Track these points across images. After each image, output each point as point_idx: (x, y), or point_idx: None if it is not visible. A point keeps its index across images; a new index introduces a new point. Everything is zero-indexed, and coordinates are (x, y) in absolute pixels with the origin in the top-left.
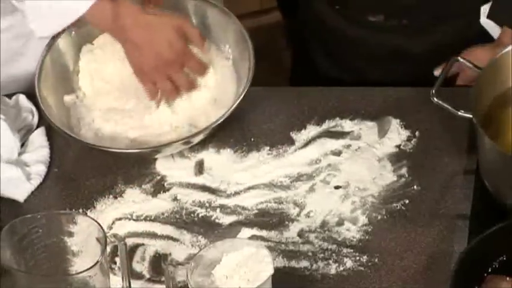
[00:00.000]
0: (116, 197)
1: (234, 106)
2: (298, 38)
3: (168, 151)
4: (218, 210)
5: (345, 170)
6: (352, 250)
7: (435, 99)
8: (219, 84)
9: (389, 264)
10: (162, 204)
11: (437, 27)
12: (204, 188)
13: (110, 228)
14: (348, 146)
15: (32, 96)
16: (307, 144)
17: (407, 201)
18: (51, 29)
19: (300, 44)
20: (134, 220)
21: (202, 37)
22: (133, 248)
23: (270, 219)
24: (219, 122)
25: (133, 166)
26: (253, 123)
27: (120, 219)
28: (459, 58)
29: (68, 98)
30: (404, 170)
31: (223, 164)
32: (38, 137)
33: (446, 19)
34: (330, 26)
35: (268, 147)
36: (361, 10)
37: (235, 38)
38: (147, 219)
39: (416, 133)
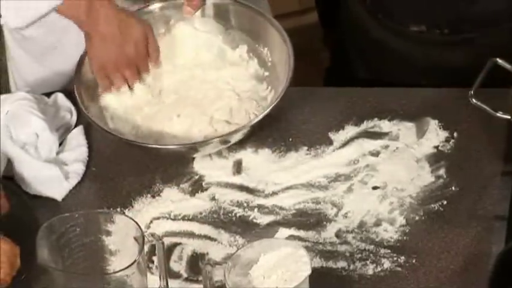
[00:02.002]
0: (153, 196)
1: (273, 106)
2: (338, 47)
3: (207, 150)
4: (256, 210)
5: (383, 171)
6: (389, 251)
7: (474, 100)
8: (259, 84)
9: (427, 265)
10: (200, 203)
11: (479, 39)
12: (242, 188)
13: (148, 227)
14: (386, 147)
15: (70, 95)
16: (345, 144)
17: (445, 202)
18: (23, 20)
19: (339, 54)
20: (172, 219)
21: (157, 49)
22: (171, 248)
23: (307, 220)
24: (256, 120)
25: (171, 165)
26: (291, 123)
27: (158, 218)
28: (497, 60)
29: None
30: (442, 171)
31: (261, 164)
32: (76, 136)
33: (487, 30)
34: (371, 37)
35: (306, 148)
36: (403, 19)
37: (274, 40)
38: (185, 218)
39: (455, 134)
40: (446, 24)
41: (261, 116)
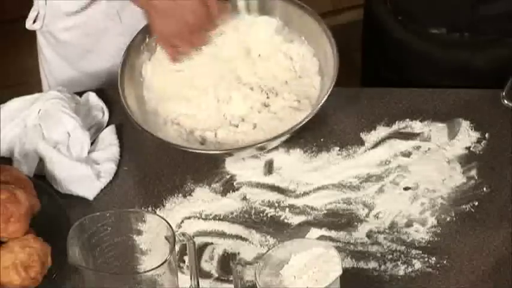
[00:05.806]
0: (185, 196)
1: (318, 108)
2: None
3: (243, 154)
4: (287, 210)
5: (414, 172)
6: (420, 251)
7: (505, 101)
8: (303, 85)
9: (458, 266)
10: (231, 203)
11: (500, 41)
12: (274, 188)
13: (179, 227)
14: (418, 148)
15: (102, 94)
16: (377, 145)
17: (476, 203)
18: (76, 3)
19: (364, 53)
20: (203, 219)
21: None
22: (202, 247)
23: (338, 220)
24: (300, 125)
25: (203, 165)
26: (323, 124)
27: (189, 218)
28: None
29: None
30: (473, 172)
31: (292, 164)
32: (108, 135)
33: (509, 33)
34: (393, 36)
35: (338, 148)
36: (423, 22)
37: (318, 38)
38: (216, 218)
39: (486, 135)
40: (467, 27)
41: (306, 120)
